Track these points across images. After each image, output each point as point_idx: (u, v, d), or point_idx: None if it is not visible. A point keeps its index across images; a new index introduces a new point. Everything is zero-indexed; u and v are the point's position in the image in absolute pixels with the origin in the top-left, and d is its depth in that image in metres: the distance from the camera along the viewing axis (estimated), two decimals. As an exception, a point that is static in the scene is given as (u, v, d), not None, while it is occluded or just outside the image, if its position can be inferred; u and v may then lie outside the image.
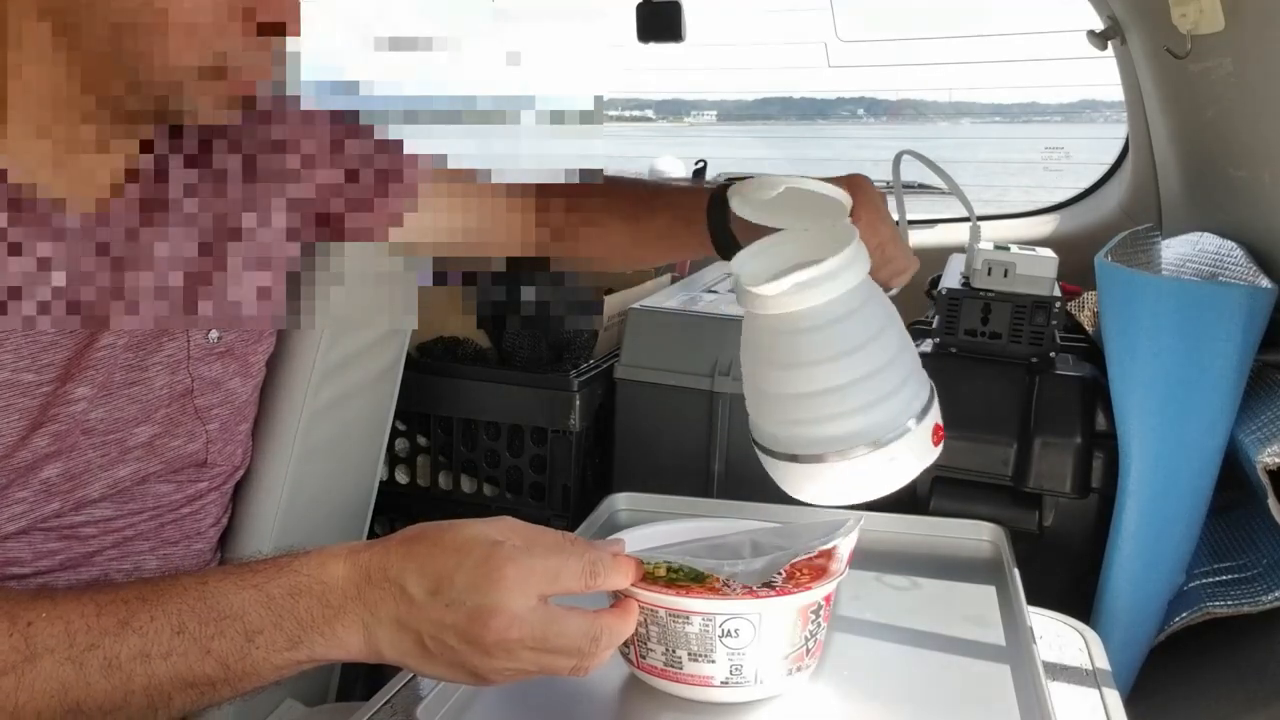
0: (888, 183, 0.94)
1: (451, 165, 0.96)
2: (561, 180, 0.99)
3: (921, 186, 2.31)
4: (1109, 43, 1.54)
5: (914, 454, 0.68)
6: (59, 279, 0.66)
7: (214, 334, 0.78)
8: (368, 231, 0.90)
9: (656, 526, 0.72)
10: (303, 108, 0.85)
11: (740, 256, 0.75)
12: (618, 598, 0.60)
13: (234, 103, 0.66)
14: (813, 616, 0.61)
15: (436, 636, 0.54)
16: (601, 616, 0.57)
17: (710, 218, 0.88)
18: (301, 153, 0.84)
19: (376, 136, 0.90)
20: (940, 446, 0.70)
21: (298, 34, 0.68)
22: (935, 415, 0.70)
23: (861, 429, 0.67)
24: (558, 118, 1.00)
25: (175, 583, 0.56)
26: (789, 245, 0.74)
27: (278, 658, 0.55)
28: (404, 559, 0.55)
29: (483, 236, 0.98)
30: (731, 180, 0.89)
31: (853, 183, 0.76)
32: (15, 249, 0.64)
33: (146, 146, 0.73)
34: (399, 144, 0.91)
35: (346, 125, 0.87)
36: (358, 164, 0.88)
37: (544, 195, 0.99)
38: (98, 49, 0.62)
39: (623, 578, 0.58)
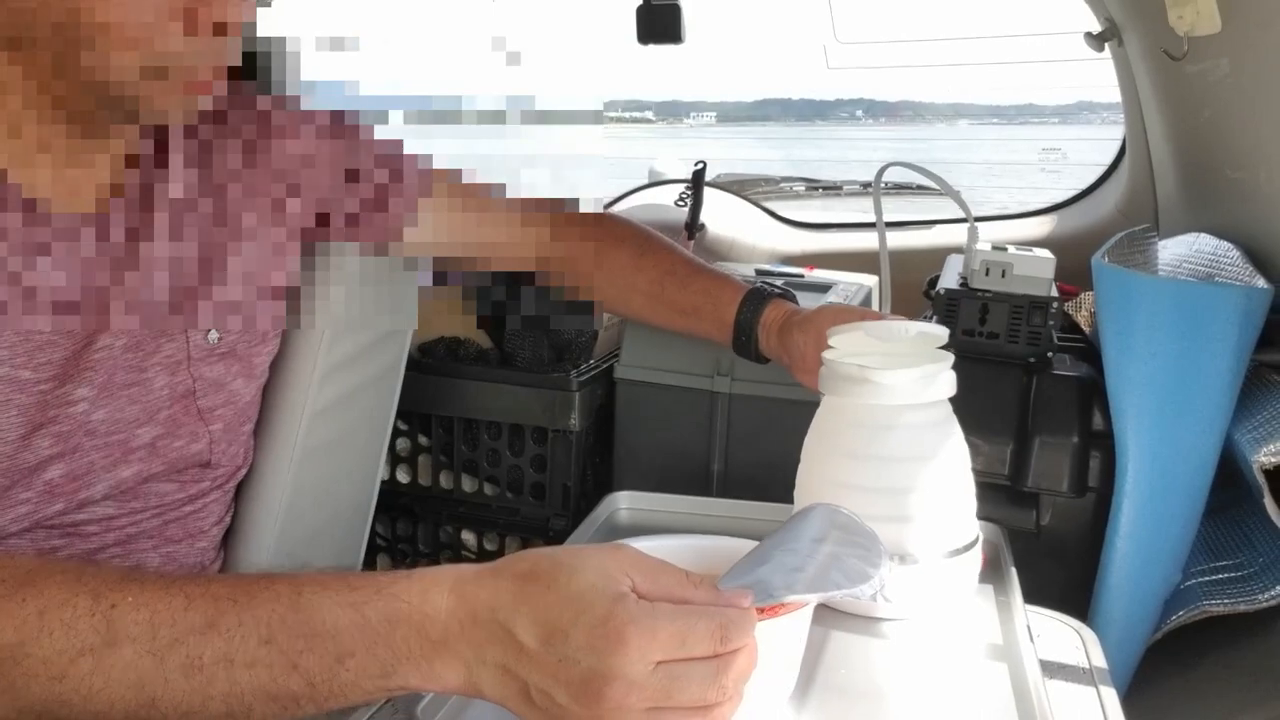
0: (888, 184, 0.95)
1: (445, 167, 0.96)
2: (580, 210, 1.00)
3: (920, 188, 2.32)
4: (1106, 44, 1.54)
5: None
6: (47, 278, 0.66)
7: (214, 335, 0.78)
8: (369, 233, 0.90)
9: (659, 540, 0.69)
10: (303, 108, 0.85)
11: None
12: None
13: (188, 103, 0.66)
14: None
15: (545, 690, 0.49)
16: (724, 656, 0.50)
17: (740, 317, 0.93)
18: (301, 153, 0.84)
19: (377, 137, 0.90)
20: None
21: (253, 32, 0.67)
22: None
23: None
24: (558, 118, 1.00)
25: (269, 586, 0.53)
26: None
27: (368, 684, 0.52)
28: (516, 600, 0.51)
29: (486, 252, 0.99)
30: (765, 286, 0.94)
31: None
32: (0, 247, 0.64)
33: (143, 148, 0.74)
34: (399, 143, 0.91)
35: (347, 126, 0.88)
36: (359, 165, 0.88)
37: (558, 226, 0.99)
38: (43, 49, 0.62)
39: (750, 636, 0.51)
